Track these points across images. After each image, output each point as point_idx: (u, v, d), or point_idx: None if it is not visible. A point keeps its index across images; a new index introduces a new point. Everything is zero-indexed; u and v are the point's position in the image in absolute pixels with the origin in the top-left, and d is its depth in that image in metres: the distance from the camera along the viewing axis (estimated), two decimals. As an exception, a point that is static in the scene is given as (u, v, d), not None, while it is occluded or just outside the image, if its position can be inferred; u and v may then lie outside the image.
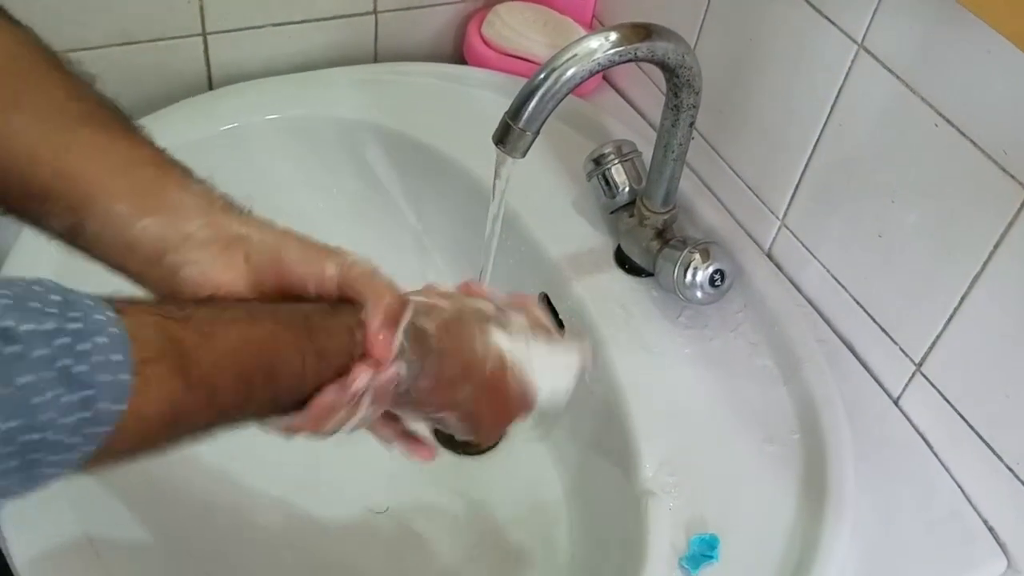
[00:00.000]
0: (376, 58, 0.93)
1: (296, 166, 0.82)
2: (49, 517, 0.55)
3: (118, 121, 0.48)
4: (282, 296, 0.47)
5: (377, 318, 0.45)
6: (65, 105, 0.46)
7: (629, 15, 0.84)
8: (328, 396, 0.44)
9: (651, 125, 0.86)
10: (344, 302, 0.46)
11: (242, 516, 0.67)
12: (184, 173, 0.48)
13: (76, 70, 0.48)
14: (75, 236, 0.46)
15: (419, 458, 0.54)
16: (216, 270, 0.46)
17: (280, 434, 0.47)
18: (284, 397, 0.44)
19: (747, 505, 0.60)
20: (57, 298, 0.35)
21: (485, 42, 0.90)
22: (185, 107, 0.82)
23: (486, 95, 0.86)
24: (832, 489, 0.60)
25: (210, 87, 0.87)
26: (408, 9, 0.91)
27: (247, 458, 0.69)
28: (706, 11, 0.76)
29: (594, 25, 0.93)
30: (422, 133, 0.83)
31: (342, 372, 0.44)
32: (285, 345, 0.43)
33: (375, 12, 0.90)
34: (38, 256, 0.63)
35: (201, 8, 0.82)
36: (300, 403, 0.45)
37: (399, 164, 0.84)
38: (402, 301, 0.47)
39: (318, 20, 0.88)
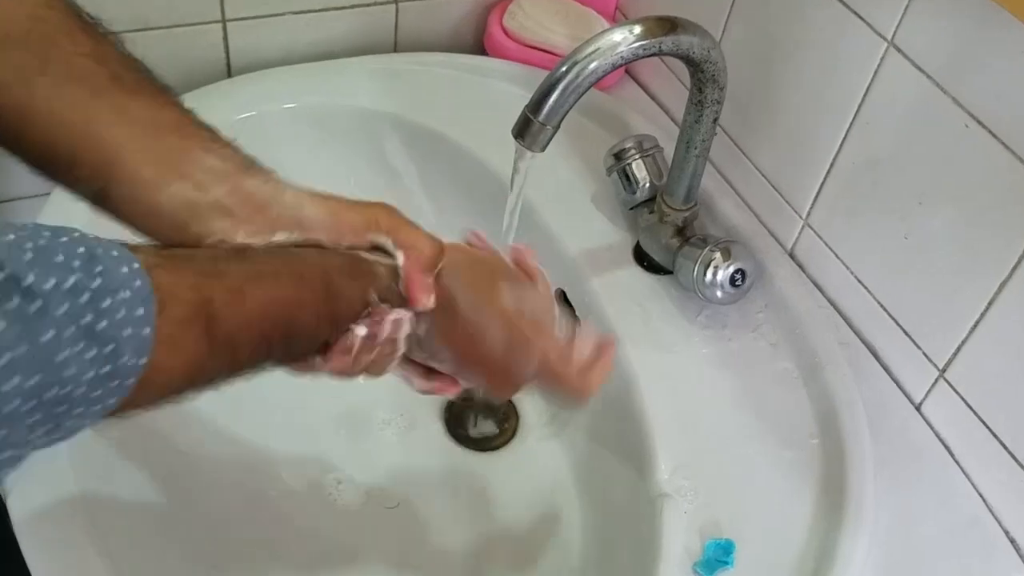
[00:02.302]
0: (396, 48, 0.92)
1: (313, 155, 0.82)
2: (47, 476, 0.56)
3: (144, 84, 0.47)
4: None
5: (416, 267, 0.48)
6: (92, 69, 0.46)
7: (653, 8, 0.83)
8: (359, 334, 0.46)
9: (674, 121, 0.85)
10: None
11: (247, 499, 0.67)
12: (210, 136, 0.48)
13: (103, 31, 0.48)
14: (102, 200, 0.47)
15: (446, 393, 0.55)
16: (240, 239, 0.46)
17: (303, 375, 0.48)
18: (293, 353, 0.46)
19: (763, 510, 0.59)
20: (82, 250, 0.35)
21: (507, 33, 0.89)
22: (203, 94, 0.81)
23: (506, 87, 0.85)
24: (851, 495, 0.59)
25: (229, 74, 0.87)
26: (429, -1, 0.90)
27: (256, 433, 0.70)
28: (732, 5, 0.74)
29: (617, 17, 0.92)
30: (441, 124, 0.82)
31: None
32: (305, 308, 0.44)
33: (396, 1, 0.89)
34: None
35: (221, -6, 0.82)
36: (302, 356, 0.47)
37: (417, 155, 0.83)
38: (437, 248, 0.49)
39: (338, 8, 0.87)
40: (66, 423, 0.35)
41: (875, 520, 0.58)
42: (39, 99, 0.45)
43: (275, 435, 0.71)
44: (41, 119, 0.45)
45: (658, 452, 0.61)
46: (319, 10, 0.86)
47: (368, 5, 0.88)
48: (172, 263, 0.39)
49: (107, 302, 0.34)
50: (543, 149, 0.57)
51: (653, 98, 0.88)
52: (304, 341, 0.46)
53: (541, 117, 0.56)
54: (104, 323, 0.34)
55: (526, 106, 0.57)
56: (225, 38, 0.84)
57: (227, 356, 0.41)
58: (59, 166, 0.46)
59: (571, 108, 0.56)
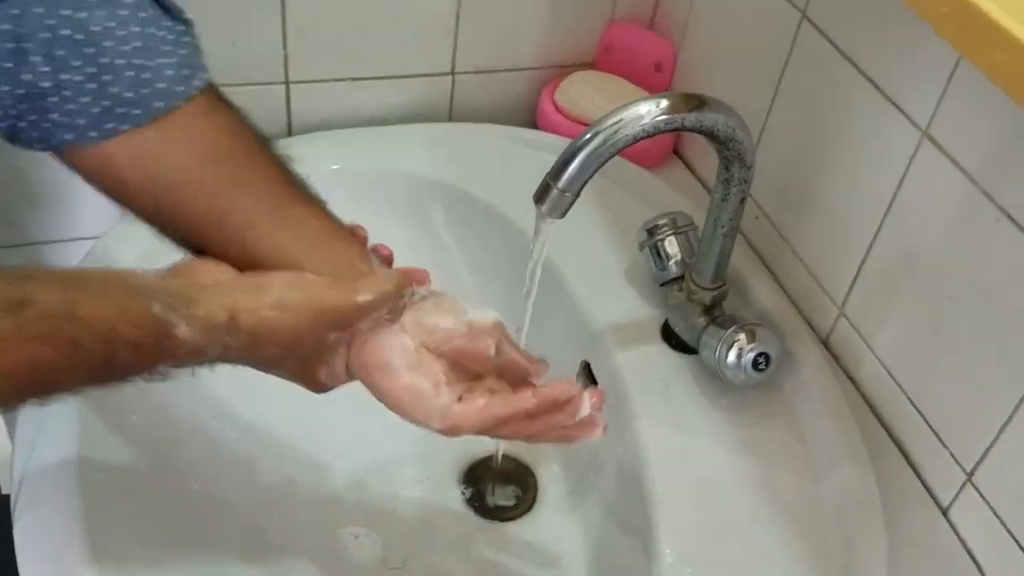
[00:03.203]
0: (451, 117, 0.94)
1: (357, 215, 0.83)
2: (53, 486, 0.57)
3: (313, 197, 0.55)
4: None
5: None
6: (277, 183, 0.53)
7: (704, 91, 0.84)
8: None
9: (717, 202, 0.84)
10: None
11: (251, 546, 0.67)
12: (362, 244, 0.56)
13: (278, 148, 0.55)
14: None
15: None
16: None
17: None
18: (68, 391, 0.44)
19: (768, 605, 0.57)
20: None
21: (557, 108, 0.91)
22: None
23: (552, 159, 0.85)
24: (863, 598, 0.55)
25: (289, 133, 0.90)
26: (486, 72, 0.93)
27: (276, 474, 0.70)
28: (776, 90, 0.74)
29: (670, 99, 0.92)
30: (487, 193, 0.83)
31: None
32: (71, 374, 0.43)
33: (453, 73, 0.92)
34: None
35: (286, 58, 0.86)
36: None
37: (460, 222, 0.84)
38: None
39: (397, 77, 0.90)
40: None
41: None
42: (238, 208, 0.52)
43: (295, 478, 0.72)
44: (239, 225, 0.52)
45: (663, 534, 0.59)
46: (379, 77, 0.90)
47: (426, 75, 0.91)
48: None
49: None
50: (562, 216, 0.58)
51: (698, 177, 0.88)
52: (65, 394, 0.44)
53: (561, 184, 0.56)
54: None
55: (547, 173, 0.57)
56: (287, 99, 0.88)
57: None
58: (249, 266, 0.52)
59: (592, 176, 0.57)
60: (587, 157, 0.56)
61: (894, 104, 0.62)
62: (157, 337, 0.45)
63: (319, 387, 0.54)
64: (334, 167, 0.83)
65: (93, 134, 0.49)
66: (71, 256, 0.87)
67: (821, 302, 0.71)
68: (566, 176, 0.56)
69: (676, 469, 0.63)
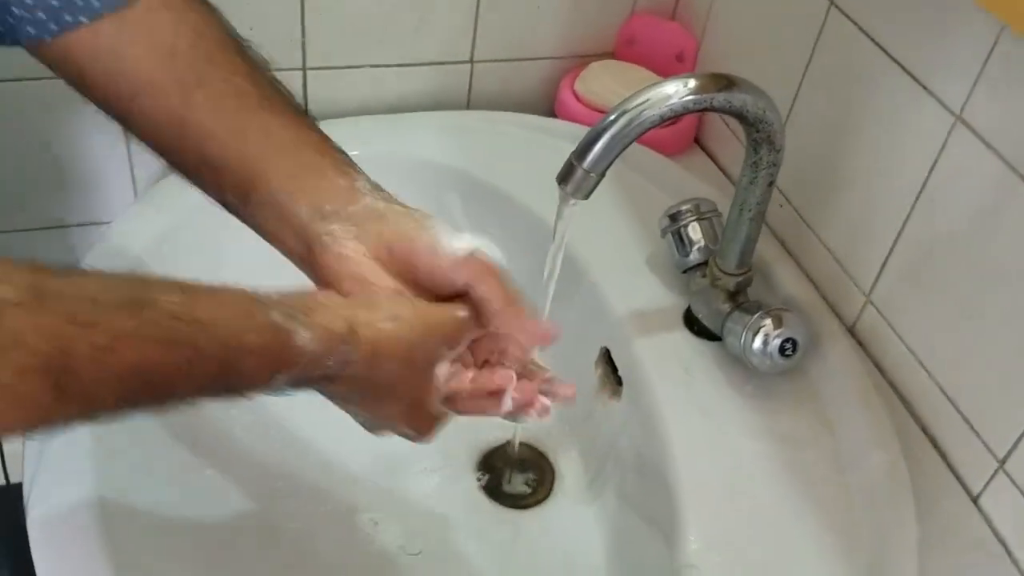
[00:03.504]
0: (469, 105, 0.94)
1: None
2: (68, 476, 0.56)
3: (289, 107, 0.52)
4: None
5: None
6: (244, 88, 0.51)
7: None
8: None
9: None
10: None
11: (269, 535, 0.66)
12: (343, 159, 0.53)
13: (255, 54, 0.52)
14: (241, 206, 0.51)
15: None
16: (349, 240, 0.49)
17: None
18: (174, 405, 0.42)
19: (797, 594, 0.55)
20: None
21: (577, 97, 0.90)
22: None
23: (571, 148, 0.85)
24: (893, 588, 0.54)
25: (306, 121, 0.90)
26: (505, 61, 0.92)
27: (281, 477, 0.69)
28: (804, 72, 0.73)
29: (691, 89, 0.91)
30: (504, 182, 0.82)
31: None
32: (191, 380, 0.41)
33: (471, 61, 0.91)
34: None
35: (304, 44, 0.85)
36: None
37: (475, 210, 0.83)
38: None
39: (416, 65, 0.90)
40: None
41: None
42: (196, 111, 0.50)
43: (311, 466, 0.71)
44: (196, 131, 0.50)
45: (688, 522, 0.58)
46: (397, 65, 0.89)
47: (445, 63, 0.90)
48: (39, 303, 0.35)
49: None
50: (586, 197, 0.57)
51: (719, 166, 0.87)
52: (181, 404, 0.42)
53: (586, 164, 0.55)
54: None
55: (572, 152, 0.56)
56: (304, 85, 0.87)
57: (79, 407, 0.37)
58: (207, 171, 0.51)
59: (617, 157, 0.56)
60: (613, 137, 0.55)
61: (925, 89, 0.61)
62: (277, 344, 0.42)
63: (430, 424, 0.52)
64: (353, 153, 0.82)
65: (53, 27, 0.48)
66: (82, 240, 0.87)
67: (847, 289, 0.70)
68: (591, 156, 0.56)
69: (701, 457, 0.62)
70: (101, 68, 0.50)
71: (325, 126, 0.85)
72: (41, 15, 0.48)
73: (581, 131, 0.86)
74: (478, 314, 0.50)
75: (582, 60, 0.93)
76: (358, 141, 0.84)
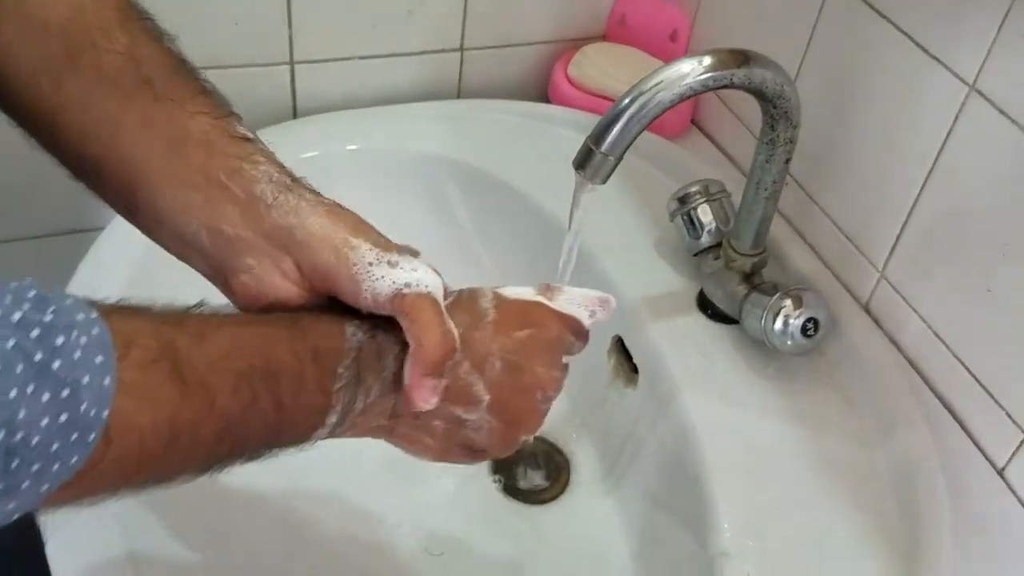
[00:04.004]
0: (459, 94, 0.92)
1: (373, 196, 0.80)
2: (93, 534, 0.53)
3: (178, 88, 0.43)
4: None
5: (417, 368, 0.42)
6: (123, 69, 0.42)
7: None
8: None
9: (740, 170, 0.83)
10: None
11: (293, 542, 0.65)
12: (242, 152, 0.43)
13: (150, 28, 0.44)
14: (133, 216, 0.44)
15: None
16: (272, 278, 0.43)
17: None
18: (289, 402, 0.40)
19: (833, 575, 0.55)
20: (33, 293, 0.31)
21: (571, 82, 0.88)
22: (269, 133, 0.80)
23: (569, 134, 0.84)
24: (927, 564, 0.54)
25: (295, 115, 0.87)
26: (495, 47, 0.90)
27: (303, 485, 0.68)
28: (806, 50, 0.72)
29: (684, 69, 0.90)
30: (501, 170, 0.81)
31: (338, 375, 0.41)
32: (278, 342, 0.40)
33: (462, 49, 0.89)
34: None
35: (291, 37, 0.83)
36: (310, 415, 0.41)
37: (476, 199, 0.82)
38: (446, 348, 0.43)
39: (405, 55, 0.88)
40: (22, 482, 0.30)
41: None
42: (68, 97, 0.41)
43: (329, 474, 0.69)
44: (70, 121, 0.42)
45: (719, 509, 0.57)
46: (386, 55, 0.87)
47: (434, 52, 0.88)
48: (129, 311, 0.36)
49: (60, 340, 0.31)
50: (604, 181, 0.56)
51: (719, 147, 0.86)
52: (293, 381, 0.40)
53: (604, 148, 0.54)
54: (58, 363, 0.30)
55: (588, 136, 0.55)
56: (292, 79, 0.85)
57: (205, 404, 0.36)
58: (88, 175, 0.43)
59: (634, 139, 0.55)
60: (630, 119, 0.54)
61: (937, 60, 0.61)
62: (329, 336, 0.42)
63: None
64: (349, 147, 0.80)
65: None
66: (72, 249, 0.84)
67: (860, 266, 0.70)
68: (609, 139, 0.54)
69: (725, 442, 0.61)
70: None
71: (315, 121, 0.85)
72: None
73: (577, 116, 0.86)
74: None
75: (573, 44, 0.92)
76: (351, 135, 0.83)
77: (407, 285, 0.43)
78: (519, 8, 0.88)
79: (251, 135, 0.44)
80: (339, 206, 0.45)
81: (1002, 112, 0.57)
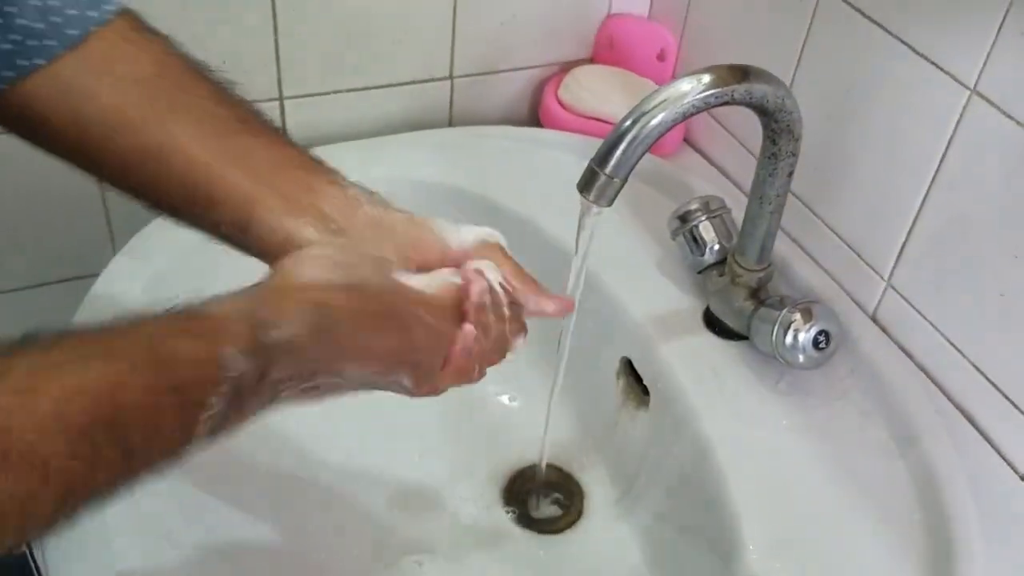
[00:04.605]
0: (451, 123, 0.91)
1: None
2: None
3: (265, 125, 0.51)
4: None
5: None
6: (216, 111, 0.49)
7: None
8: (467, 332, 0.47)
9: (735, 184, 0.82)
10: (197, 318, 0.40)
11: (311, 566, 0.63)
12: (330, 170, 0.52)
13: (220, 76, 0.51)
14: (239, 235, 0.49)
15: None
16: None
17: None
18: (141, 448, 0.36)
19: (866, 592, 0.54)
20: None
21: (562, 105, 0.88)
22: None
23: (563, 156, 0.84)
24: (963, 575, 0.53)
25: (286, 151, 0.86)
26: (484, 74, 0.90)
27: (312, 521, 0.66)
28: (798, 63, 0.72)
29: (674, 87, 0.90)
30: (499, 195, 0.80)
31: (207, 405, 0.38)
32: (126, 382, 0.36)
33: (451, 77, 0.89)
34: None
35: (279, 73, 0.82)
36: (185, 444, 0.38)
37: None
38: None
39: (395, 85, 0.87)
40: None
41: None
42: (174, 137, 0.47)
43: (343, 507, 0.68)
44: (178, 158, 0.47)
45: (744, 531, 0.56)
46: (376, 87, 0.87)
47: (424, 81, 0.88)
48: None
49: None
50: (610, 204, 0.55)
51: (713, 163, 0.85)
52: (149, 427, 0.36)
53: (608, 170, 0.53)
54: None
55: (592, 159, 0.54)
56: (282, 115, 0.85)
57: (35, 475, 0.32)
58: (196, 207, 0.48)
59: (639, 160, 0.54)
60: (633, 140, 0.53)
61: (935, 65, 0.60)
62: (193, 320, 0.39)
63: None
64: (351, 179, 0.79)
65: (8, 73, 0.45)
66: (66, 298, 0.83)
67: (865, 276, 0.69)
68: (613, 161, 0.54)
69: (745, 461, 0.60)
70: (68, 111, 0.47)
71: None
72: (44, 32, 0.45)
73: (571, 139, 0.86)
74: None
75: (562, 67, 0.91)
76: (345, 168, 0.81)
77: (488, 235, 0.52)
78: (507, 34, 0.88)
79: (330, 164, 0.53)
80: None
81: (1007, 114, 0.56)
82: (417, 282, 0.48)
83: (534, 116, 0.92)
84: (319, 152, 0.81)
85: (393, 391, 0.49)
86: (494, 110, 0.92)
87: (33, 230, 0.82)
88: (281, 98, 0.84)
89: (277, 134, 0.51)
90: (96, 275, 0.70)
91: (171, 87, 0.48)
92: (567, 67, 0.91)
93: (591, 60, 0.93)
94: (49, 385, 0.33)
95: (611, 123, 0.86)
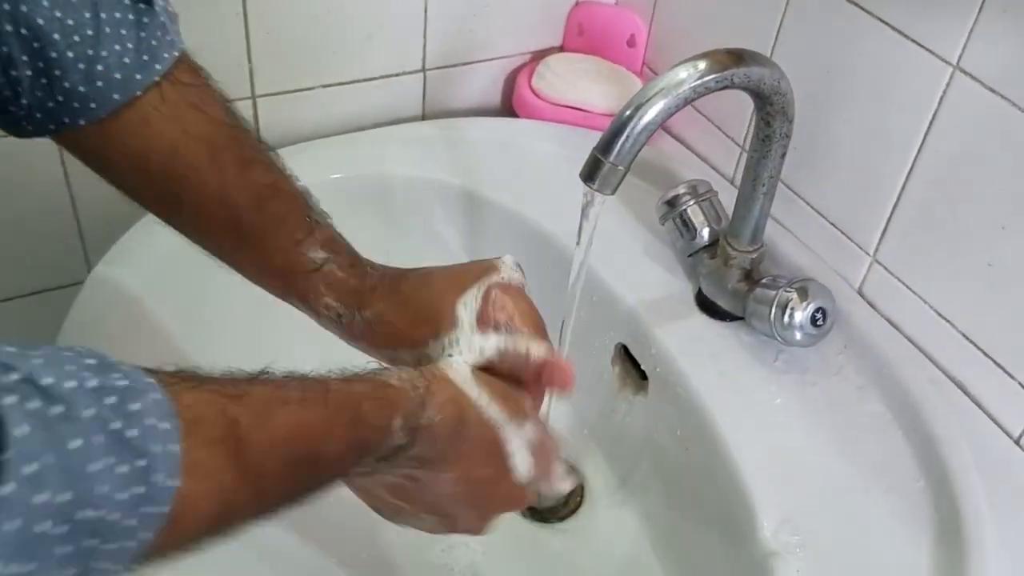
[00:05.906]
0: (424, 116, 0.91)
1: (359, 223, 0.79)
2: None
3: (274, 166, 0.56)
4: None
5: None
6: (260, 158, 0.53)
7: (682, 57, 0.82)
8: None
9: (715, 169, 0.83)
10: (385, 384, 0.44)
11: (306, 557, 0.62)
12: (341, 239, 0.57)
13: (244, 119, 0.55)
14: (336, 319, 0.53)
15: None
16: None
17: None
18: (316, 488, 0.40)
19: (880, 561, 0.55)
20: (92, 361, 0.30)
21: (536, 94, 0.88)
22: None
23: (540, 145, 0.84)
24: (970, 539, 0.54)
25: (259, 151, 0.85)
26: (456, 66, 0.89)
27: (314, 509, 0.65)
28: (774, 44, 0.73)
29: (645, 73, 0.91)
30: (478, 186, 0.80)
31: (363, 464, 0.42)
32: (332, 435, 0.40)
33: (424, 70, 0.88)
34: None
35: (251, 72, 0.81)
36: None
37: (460, 219, 0.81)
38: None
39: (367, 80, 0.86)
40: (95, 564, 0.29)
41: (998, 562, 0.54)
42: (253, 183, 0.51)
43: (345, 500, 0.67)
44: (238, 195, 0.51)
45: (758, 509, 0.57)
46: (347, 83, 0.85)
47: (397, 75, 0.87)
48: (192, 380, 0.35)
49: (136, 406, 0.30)
50: (614, 191, 0.55)
51: (690, 149, 0.86)
52: (327, 471, 0.41)
53: (612, 158, 0.54)
54: (135, 432, 0.29)
55: (595, 148, 0.54)
56: (255, 114, 0.83)
57: (254, 487, 0.36)
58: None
59: (642, 147, 0.54)
60: (635, 128, 0.54)
61: (916, 43, 0.62)
62: (383, 388, 0.43)
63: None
64: (332, 177, 0.78)
65: (51, 127, 0.46)
66: (41, 309, 0.80)
67: (850, 252, 0.71)
68: (616, 148, 0.54)
69: (750, 440, 0.61)
70: (167, 141, 0.49)
71: (289, 152, 0.81)
72: (38, 115, 0.46)
73: (547, 127, 0.86)
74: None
75: (533, 56, 0.91)
76: (322, 166, 0.81)
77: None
78: (477, 25, 0.88)
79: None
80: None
81: (990, 89, 0.58)
82: None
83: (506, 106, 0.92)
84: (293, 150, 0.82)
85: (444, 525, 0.50)
86: (466, 102, 0.91)
87: (1, 239, 0.79)
88: (254, 96, 0.82)
89: (280, 172, 0.55)
90: (70, 286, 0.68)
91: (226, 140, 0.51)
92: (538, 56, 0.91)
93: (561, 48, 0.93)
94: (280, 413, 0.37)
95: (586, 110, 0.86)
